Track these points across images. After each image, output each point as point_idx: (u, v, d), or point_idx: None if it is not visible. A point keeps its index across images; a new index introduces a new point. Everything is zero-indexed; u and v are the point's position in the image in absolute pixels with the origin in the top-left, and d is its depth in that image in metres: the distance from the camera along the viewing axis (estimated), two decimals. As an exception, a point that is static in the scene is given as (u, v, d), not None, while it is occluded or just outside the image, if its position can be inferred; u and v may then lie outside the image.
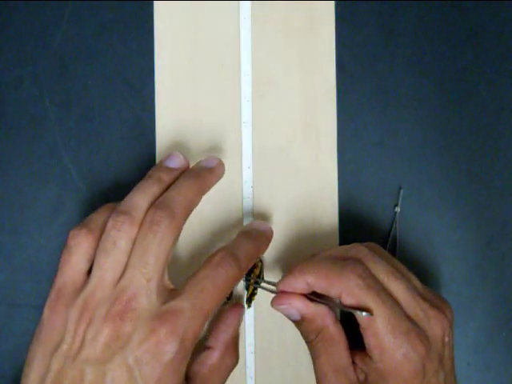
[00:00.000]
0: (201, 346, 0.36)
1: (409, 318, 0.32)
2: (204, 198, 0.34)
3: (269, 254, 0.39)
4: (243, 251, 0.33)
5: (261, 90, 0.39)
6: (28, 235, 0.38)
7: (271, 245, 0.36)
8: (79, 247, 0.32)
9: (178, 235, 0.32)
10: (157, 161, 0.38)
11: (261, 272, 0.37)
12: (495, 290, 0.40)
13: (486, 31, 0.40)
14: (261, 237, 0.35)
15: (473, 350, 0.40)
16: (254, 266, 0.37)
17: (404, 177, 0.40)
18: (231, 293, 0.37)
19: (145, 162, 0.38)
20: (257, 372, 0.38)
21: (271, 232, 0.36)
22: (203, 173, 0.35)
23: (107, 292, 0.30)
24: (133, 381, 0.29)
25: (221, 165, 0.35)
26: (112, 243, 0.31)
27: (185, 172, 0.35)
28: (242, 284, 0.38)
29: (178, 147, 0.38)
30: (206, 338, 0.36)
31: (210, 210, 0.38)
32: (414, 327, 0.32)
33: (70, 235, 0.32)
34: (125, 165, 0.39)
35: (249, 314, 0.38)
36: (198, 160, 0.35)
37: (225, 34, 0.38)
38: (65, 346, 0.30)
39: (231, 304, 0.37)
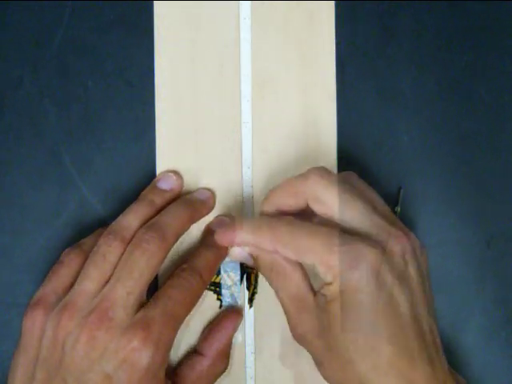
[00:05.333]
0: (191, 349, 0.37)
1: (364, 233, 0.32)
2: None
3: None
4: (203, 263, 0.35)
5: (261, 90, 0.39)
6: (28, 235, 0.38)
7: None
8: (71, 263, 0.34)
9: (164, 258, 0.34)
10: (157, 161, 0.38)
11: (257, 273, 0.37)
12: (495, 289, 0.40)
13: (486, 31, 0.40)
14: (220, 248, 0.36)
15: (473, 350, 0.40)
16: (253, 267, 0.37)
17: (404, 177, 0.40)
18: (220, 300, 0.38)
19: (145, 162, 0.38)
20: (257, 372, 0.38)
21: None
22: (195, 203, 0.36)
23: (88, 301, 0.32)
24: None
25: (212, 197, 0.37)
26: (102, 256, 0.33)
27: (178, 199, 0.36)
28: (240, 284, 0.38)
29: (178, 147, 0.38)
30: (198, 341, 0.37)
31: (210, 210, 0.38)
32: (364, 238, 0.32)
33: (64, 253, 0.35)
34: (125, 165, 0.39)
35: (249, 314, 0.38)
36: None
37: (225, 33, 0.38)
38: (44, 353, 0.31)
39: (227, 310, 0.37)
